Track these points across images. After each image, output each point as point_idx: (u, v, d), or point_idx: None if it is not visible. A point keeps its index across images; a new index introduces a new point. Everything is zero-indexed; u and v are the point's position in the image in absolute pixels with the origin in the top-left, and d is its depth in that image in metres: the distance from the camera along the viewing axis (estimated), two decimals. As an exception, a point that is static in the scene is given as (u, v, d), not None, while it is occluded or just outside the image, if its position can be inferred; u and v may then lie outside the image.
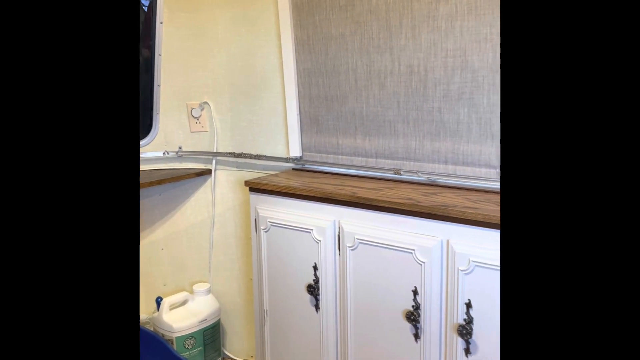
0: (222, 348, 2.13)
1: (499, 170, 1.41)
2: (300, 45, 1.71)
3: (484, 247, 1.19)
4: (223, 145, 2.00)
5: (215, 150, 2.01)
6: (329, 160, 1.75)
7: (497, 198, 1.33)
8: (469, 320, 1.22)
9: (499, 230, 1.17)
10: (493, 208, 1.23)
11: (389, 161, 1.62)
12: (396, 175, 1.60)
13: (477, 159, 1.44)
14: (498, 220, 1.16)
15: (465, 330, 1.22)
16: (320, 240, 1.48)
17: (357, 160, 1.69)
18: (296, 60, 1.73)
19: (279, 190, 1.56)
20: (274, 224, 1.58)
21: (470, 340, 1.23)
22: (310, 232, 1.50)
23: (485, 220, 1.18)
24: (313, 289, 1.51)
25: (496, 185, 1.41)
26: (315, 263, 1.50)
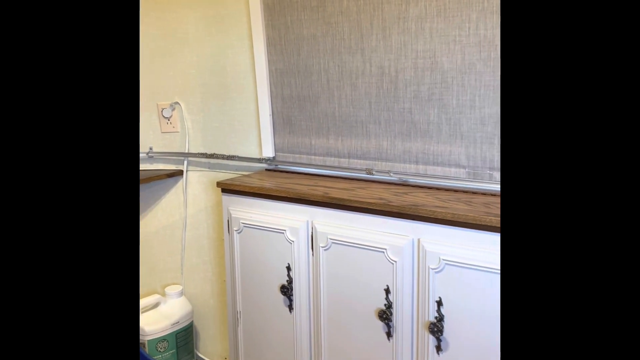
0: (195, 350, 2.11)
1: (468, 170, 1.44)
2: (272, 45, 1.71)
3: (453, 245, 1.22)
4: (195, 145, 1.98)
5: (186, 151, 1.99)
6: (302, 161, 1.75)
7: (467, 197, 1.36)
8: (440, 318, 1.24)
9: (468, 229, 1.19)
10: (462, 207, 1.25)
11: (361, 161, 1.63)
12: (368, 175, 1.62)
13: (447, 158, 1.46)
14: (467, 219, 1.19)
15: (436, 328, 1.24)
16: (293, 241, 1.48)
17: (330, 161, 1.69)
18: (268, 60, 1.73)
19: (251, 191, 1.56)
20: (246, 225, 1.58)
21: (441, 337, 1.25)
22: (283, 233, 1.50)
23: (454, 219, 1.21)
24: (286, 290, 1.51)
25: (465, 184, 1.44)
26: (288, 264, 1.50)
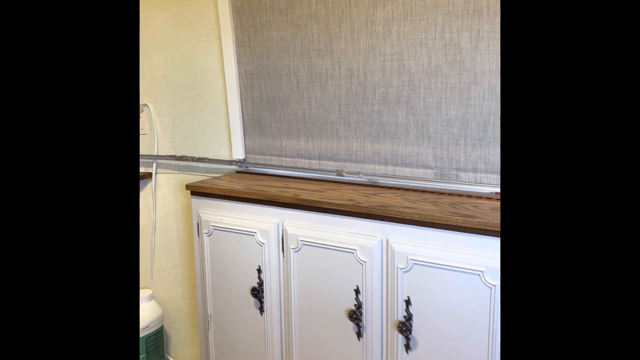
0: (166, 354, 2.09)
1: (435, 171, 1.46)
2: (242, 47, 1.70)
3: (421, 245, 1.24)
4: (164, 148, 1.96)
5: (155, 154, 1.96)
6: (272, 163, 1.75)
7: (434, 197, 1.38)
8: (409, 317, 1.26)
9: (435, 229, 1.22)
10: (430, 207, 1.27)
11: (332, 163, 1.64)
12: (339, 177, 1.63)
13: (415, 160, 1.49)
14: (433, 220, 1.21)
15: (405, 327, 1.26)
16: (263, 243, 1.48)
17: (301, 162, 1.70)
18: (237, 62, 1.72)
19: (221, 193, 1.55)
20: (216, 228, 1.57)
21: (410, 336, 1.27)
22: (253, 235, 1.49)
23: (421, 220, 1.23)
24: (257, 292, 1.51)
25: (432, 185, 1.47)
26: (259, 266, 1.50)
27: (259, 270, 1.50)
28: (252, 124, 1.76)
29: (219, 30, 1.73)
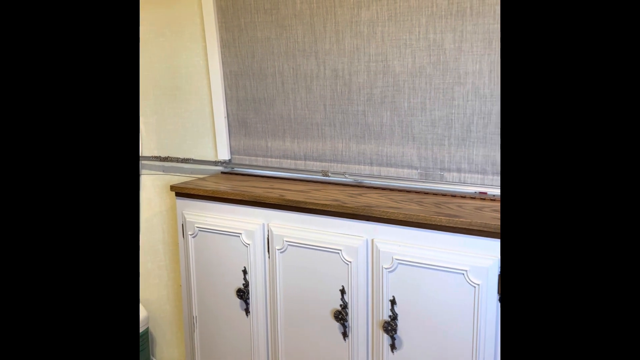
0: (151, 356, 2.07)
1: (420, 171, 1.47)
2: (226, 47, 1.70)
3: (406, 245, 1.24)
4: (148, 148, 1.94)
5: (140, 154, 1.94)
6: (258, 163, 1.75)
7: (418, 197, 1.39)
8: (394, 317, 1.27)
9: (420, 229, 1.22)
10: (414, 207, 1.28)
11: (317, 163, 1.64)
12: (324, 177, 1.63)
13: (400, 160, 1.49)
14: (418, 219, 1.21)
15: (390, 327, 1.26)
16: (249, 244, 1.47)
17: (286, 163, 1.70)
18: (222, 62, 1.72)
19: (206, 194, 1.54)
20: (201, 229, 1.56)
21: (395, 336, 1.27)
22: (239, 236, 1.49)
23: (406, 220, 1.23)
24: (243, 293, 1.50)
25: (417, 185, 1.48)
26: (244, 267, 1.49)
27: (245, 271, 1.49)
28: (237, 125, 1.75)
29: (204, 31, 1.72)
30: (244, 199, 1.47)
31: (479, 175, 1.39)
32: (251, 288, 1.49)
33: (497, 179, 1.36)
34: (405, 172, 1.49)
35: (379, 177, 1.54)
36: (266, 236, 1.45)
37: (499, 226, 1.11)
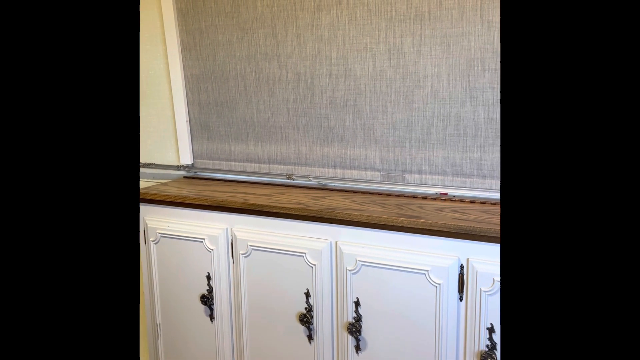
0: (115, 368, 2.02)
1: (382, 173, 1.49)
2: (187, 50, 1.68)
3: (369, 246, 1.25)
4: (108, 154, 1.89)
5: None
6: (221, 167, 1.73)
7: (381, 199, 1.40)
8: (358, 318, 1.28)
9: (382, 230, 1.24)
10: (377, 209, 1.29)
11: (282, 166, 1.64)
12: (289, 180, 1.63)
13: (363, 162, 1.51)
14: (380, 221, 1.23)
15: (354, 328, 1.27)
16: (212, 249, 1.46)
17: (250, 166, 1.69)
18: (183, 65, 1.69)
19: (168, 199, 1.51)
20: (164, 235, 1.53)
21: (360, 337, 1.28)
22: (202, 242, 1.47)
23: (369, 221, 1.24)
24: (207, 299, 1.48)
25: (380, 187, 1.49)
26: (208, 273, 1.48)
27: (208, 277, 1.48)
28: (199, 129, 1.73)
29: (164, 34, 1.69)
30: (207, 203, 1.46)
31: (440, 177, 1.41)
32: (215, 294, 1.48)
33: (457, 180, 1.39)
34: (368, 174, 1.51)
35: (343, 179, 1.55)
36: (230, 241, 1.44)
37: (459, 226, 1.14)
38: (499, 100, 1.30)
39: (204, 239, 1.46)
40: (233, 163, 1.71)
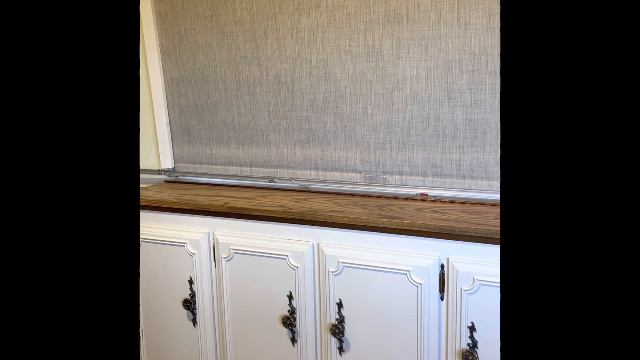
0: (97, 375, 1.99)
1: (363, 174, 1.50)
2: (167, 54, 1.67)
3: (350, 248, 1.26)
4: (88, 159, 1.87)
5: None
6: (202, 171, 1.73)
7: (362, 201, 1.41)
8: (341, 320, 1.28)
9: (364, 231, 1.24)
10: (358, 210, 1.30)
11: (263, 169, 1.64)
12: (271, 183, 1.63)
13: (344, 164, 1.52)
14: (361, 222, 1.23)
15: (337, 330, 1.27)
16: (194, 254, 1.45)
17: (232, 170, 1.68)
18: (163, 69, 1.68)
19: (149, 204, 1.50)
20: (145, 240, 1.52)
21: (343, 338, 1.29)
22: (184, 246, 1.46)
23: (350, 223, 1.25)
24: (189, 304, 1.47)
25: (361, 188, 1.50)
26: (190, 277, 1.47)
27: (191, 282, 1.47)
28: (180, 132, 1.72)
29: (143, 37, 1.68)
30: (189, 207, 1.45)
31: (420, 178, 1.43)
32: (198, 298, 1.47)
33: (437, 181, 1.41)
34: (349, 176, 1.52)
35: (325, 181, 1.55)
36: (212, 245, 1.44)
37: (439, 226, 1.15)
38: (477, 102, 1.32)
39: (185, 243, 1.46)
40: (214, 166, 1.70)
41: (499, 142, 1.31)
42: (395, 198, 1.43)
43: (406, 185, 1.45)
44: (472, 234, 1.12)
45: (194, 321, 1.49)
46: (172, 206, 1.47)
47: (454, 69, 1.32)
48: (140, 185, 1.79)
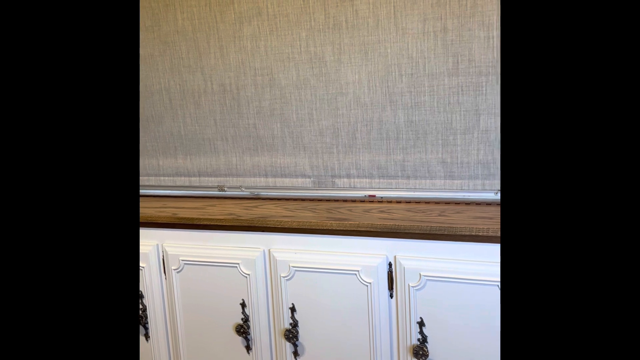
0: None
1: (313, 179, 1.52)
2: (108, 65, 1.63)
3: (301, 252, 1.27)
4: (28, 176, 1.80)
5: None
6: (150, 183, 1.70)
7: (312, 205, 1.43)
8: (294, 324, 1.29)
9: (313, 235, 1.26)
10: (308, 214, 1.31)
11: (212, 178, 1.63)
12: (221, 192, 1.62)
13: (293, 170, 1.53)
14: (311, 226, 1.25)
15: (291, 334, 1.28)
16: (143, 267, 1.42)
17: (180, 181, 1.66)
18: (104, 81, 1.65)
19: (94, 219, 1.46)
20: (91, 256, 1.48)
21: (297, 342, 1.29)
22: (132, 260, 1.43)
23: (300, 227, 1.26)
24: (141, 318, 1.44)
25: (311, 193, 1.52)
26: (140, 291, 1.44)
27: (141, 296, 1.44)
28: (125, 145, 1.69)
29: (82, 49, 1.64)
30: (135, 220, 1.42)
31: (367, 180, 1.46)
32: (149, 312, 1.44)
33: (384, 182, 1.44)
34: (299, 181, 1.53)
35: (275, 188, 1.56)
36: (161, 257, 1.41)
37: (385, 225, 1.18)
38: (417, 104, 1.36)
39: (134, 257, 1.42)
40: (162, 178, 1.68)
41: (440, 141, 1.36)
42: (344, 201, 1.46)
43: (354, 188, 1.48)
44: (417, 231, 1.15)
45: (147, 336, 1.46)
46: (118, 220, 1.44)
47: (393, 73, 1.36)
48: (85, 201, 1.74)
